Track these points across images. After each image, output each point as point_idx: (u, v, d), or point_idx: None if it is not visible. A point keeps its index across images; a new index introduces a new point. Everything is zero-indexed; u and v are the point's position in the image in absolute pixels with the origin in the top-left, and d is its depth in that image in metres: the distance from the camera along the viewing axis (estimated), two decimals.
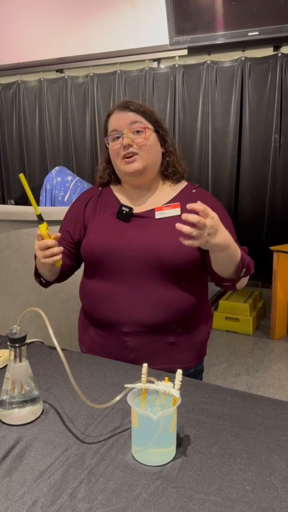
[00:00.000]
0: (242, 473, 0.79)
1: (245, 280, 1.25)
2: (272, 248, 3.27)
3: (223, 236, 1.07)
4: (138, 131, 1.29)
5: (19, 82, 4.70)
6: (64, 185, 3.52)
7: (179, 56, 3.92)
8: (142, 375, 0.85)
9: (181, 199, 1.33)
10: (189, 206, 1.00)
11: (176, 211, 1.30)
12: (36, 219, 1.17)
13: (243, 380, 2.79)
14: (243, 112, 3.76)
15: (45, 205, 3.53)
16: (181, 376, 0.84)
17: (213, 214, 1.03)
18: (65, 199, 3.48)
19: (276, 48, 3.58)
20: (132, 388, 0.85)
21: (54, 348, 1.23)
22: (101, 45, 4.17)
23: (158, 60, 4.05)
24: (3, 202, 5.04)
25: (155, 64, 4.07)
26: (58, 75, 4.53)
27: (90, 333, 1.37)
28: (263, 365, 2.98)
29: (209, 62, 3.80)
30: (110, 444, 0.86)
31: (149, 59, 4.06)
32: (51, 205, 3.52)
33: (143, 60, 4.08)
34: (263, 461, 0.82)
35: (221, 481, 0.77)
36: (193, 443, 0.87)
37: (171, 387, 0.84)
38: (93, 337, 1.36)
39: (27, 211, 2.45)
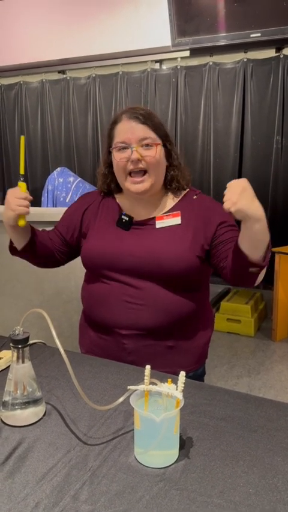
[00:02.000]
0: (245, 475, 0.78)
1: (262, 275, 1.19)
2: (273, 250, 3.27)
3: (259, 205, 1.05)
4: (147, 145, 1.24)
5: (21, 82, 4.71)
6: (66, 186, 3.53)
7: (181, 58, 3.92)
8: (145, 377, 0.85)
9: (182, 207, 1.32)
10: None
11: (177, 220, 1.29)
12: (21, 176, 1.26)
13: (245, 382, 2.78)
14: (245, 113, 3.76)
15: (47, 206, 3.54)
16: (184, 378, 0.84)
17: (239, 180, 1.05)
18: (67, 200, 3.48)
19: (278, 49, 3.58)
20: (135, 390, 0.85)
21: (56, 349, 1.23)
22: (103, 47, 4.18)
23: (160, 61, 4.06)
24: None
25: (157, 65, 4.08)
26: (60, 76, 4.54)
27: (90, 334, 1.37)
28: (265, 367, 2.97)
29: (211, 63, 3.80)
30: (113, 446, 0.86)
31: (151, 61, 4.07)
32: (53, 206, 3.52)
33: (145, 62, 4.09)
34: (266, 463, 0.81)
35: (224, 484, 0.76)
36: (196, 445, 0.86)
37: (174, 389, 0.84)
38: (93, 339, 1.36)
39: (30, 212, 2.44)
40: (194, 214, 1.30)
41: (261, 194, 4.06)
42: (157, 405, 0.85)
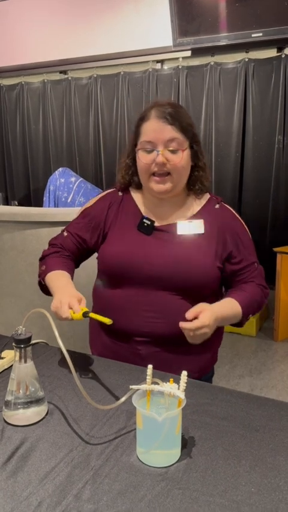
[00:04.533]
0: (247, 475, 0.78)
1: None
2: (275, 249, 3.27)
3: (214, 324, 1.17)
4: (173, 151, 1.22)
5: (23, 83, 4.72)
6: (68, 186, 3.53)
7: (183, 58, 3.92)
8: (147, 377, 0.85)
9: (205, 216, 1.30)
10: (181, 324, 1.13)
11: (200, 229, 1.28)
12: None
13: (247, 382, 2.78)
14: (247, 113, 3.75)
15: (49, 206, 3.54)
16: (186, 378, 0.84)
17: (203, 322, 1.13)
18: (69, 200, 3.49)
19: (280, 49, 3.58)
20: (137, 389, 0.85)
21: (58, 349, 1.23)
22: (104, 47, 4.18)
23: (162, 61, 4.06)
24: (7, 204, 5.05)
25: (158, 65, 4.08)
26: (62, 76, 4.54)
27: (102, 338, 1.35)
28: (266, 367, 2.97)
29: (212, 63, 3.80)
30: (115, 446, 0.86)
31: (153, 61, 4.06)
32: (55, 206, 3.53)
33: (147, 62, 4.08)
34: (268, 463, 0.82)
35: (226, 483, 0.77)
36: (198, 444, 0.86)
37: (176, 388, 0.84)
38: (105, 343, 1.34)
39: (32, 212, 2.45)
40: (217, 226, 1.29)
41: (262, 194, 4.05)
42: (159, 404, 0.85)
